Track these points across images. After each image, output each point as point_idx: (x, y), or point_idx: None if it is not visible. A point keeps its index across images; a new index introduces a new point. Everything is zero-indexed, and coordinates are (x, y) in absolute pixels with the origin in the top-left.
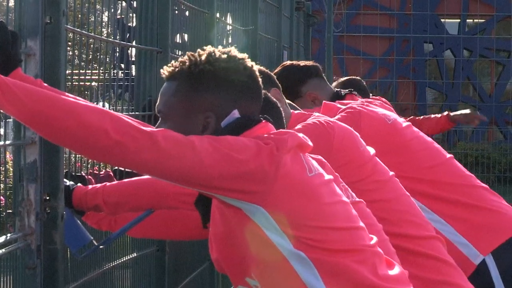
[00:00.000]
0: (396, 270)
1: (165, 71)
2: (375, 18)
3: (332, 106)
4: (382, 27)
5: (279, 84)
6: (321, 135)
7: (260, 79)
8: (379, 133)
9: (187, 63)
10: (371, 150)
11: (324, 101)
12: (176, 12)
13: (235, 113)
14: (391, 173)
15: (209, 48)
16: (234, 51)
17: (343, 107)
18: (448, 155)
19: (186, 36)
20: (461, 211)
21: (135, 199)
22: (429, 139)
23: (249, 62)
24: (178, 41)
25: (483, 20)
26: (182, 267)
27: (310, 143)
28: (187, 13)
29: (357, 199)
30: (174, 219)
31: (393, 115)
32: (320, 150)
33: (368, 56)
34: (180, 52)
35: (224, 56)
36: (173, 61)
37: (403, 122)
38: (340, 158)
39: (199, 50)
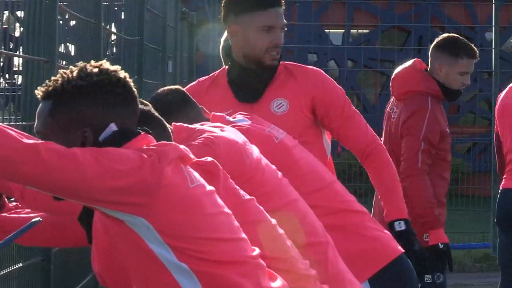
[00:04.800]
0: (278, 282)
1: (39, 91)
2: None
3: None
4: None
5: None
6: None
7: (134, 89)
8: (267, 151)
9: (59, 81)
10: (255, 150)
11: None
12: (61, 22)
13: (112, 127)
14: (279, 174)
15: (80, 64)
16: (106, 64)
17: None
18: (332, 178)
19: (73, 47)
20: (339, 238)
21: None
22: (315, 159)
23: (122, 73)
24: (63, 51)
25: (367, 31)
26: (68, 278)
27: (192, 156)
28: (72, 22)
29: (248, 197)
30: (64, 226)
31: (281, 132)
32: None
33: None
34: (64, 62)
35: (96, 70)
36: (47, 81)
37: (289, 141)
38: (228, 173)
39: (71, 66)
